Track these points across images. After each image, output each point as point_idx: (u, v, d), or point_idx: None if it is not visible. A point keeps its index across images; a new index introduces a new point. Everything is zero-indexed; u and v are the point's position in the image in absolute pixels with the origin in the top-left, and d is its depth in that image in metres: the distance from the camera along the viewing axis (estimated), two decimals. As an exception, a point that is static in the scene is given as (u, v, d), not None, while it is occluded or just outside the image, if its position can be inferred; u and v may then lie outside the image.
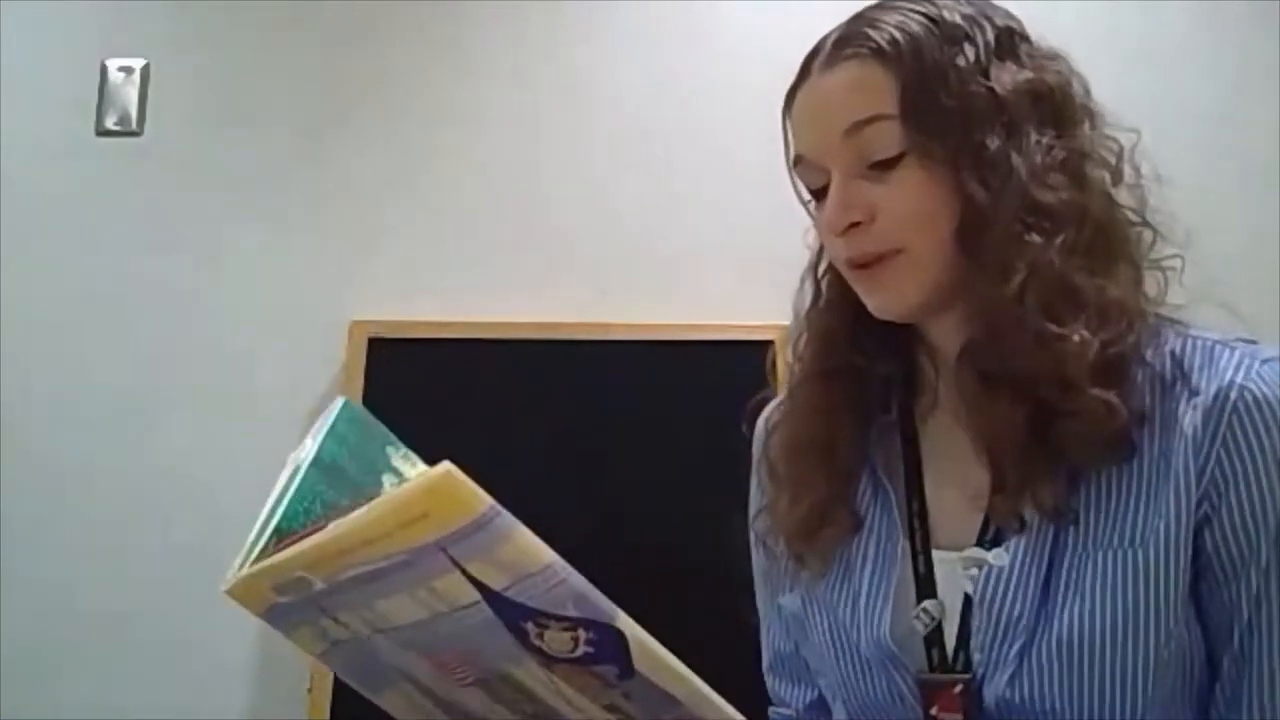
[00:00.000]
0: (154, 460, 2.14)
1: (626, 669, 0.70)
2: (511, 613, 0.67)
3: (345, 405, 0.77)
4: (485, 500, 0.62)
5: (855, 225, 0.83)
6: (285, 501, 0.70)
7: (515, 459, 2.03)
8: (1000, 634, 0.79)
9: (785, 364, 0.98)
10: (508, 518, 0.63)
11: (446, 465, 0.61)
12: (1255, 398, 0.76)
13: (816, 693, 0.98)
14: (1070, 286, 0.78)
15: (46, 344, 2.19)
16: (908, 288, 0.84)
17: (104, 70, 2.28)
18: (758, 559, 1.02)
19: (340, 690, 1.94)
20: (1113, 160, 0.84)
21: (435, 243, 2.23)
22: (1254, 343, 0.80)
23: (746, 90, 2.23)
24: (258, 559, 0.68)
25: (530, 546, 0.64)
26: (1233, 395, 0.77)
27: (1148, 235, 0.84)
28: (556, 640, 0.69)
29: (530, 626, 0.68)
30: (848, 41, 0.84)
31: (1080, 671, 0.76)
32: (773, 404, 1.01)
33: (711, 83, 2.26)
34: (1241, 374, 0.77)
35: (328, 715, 1.93)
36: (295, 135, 2.28)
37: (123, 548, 2.10)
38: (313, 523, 0.70)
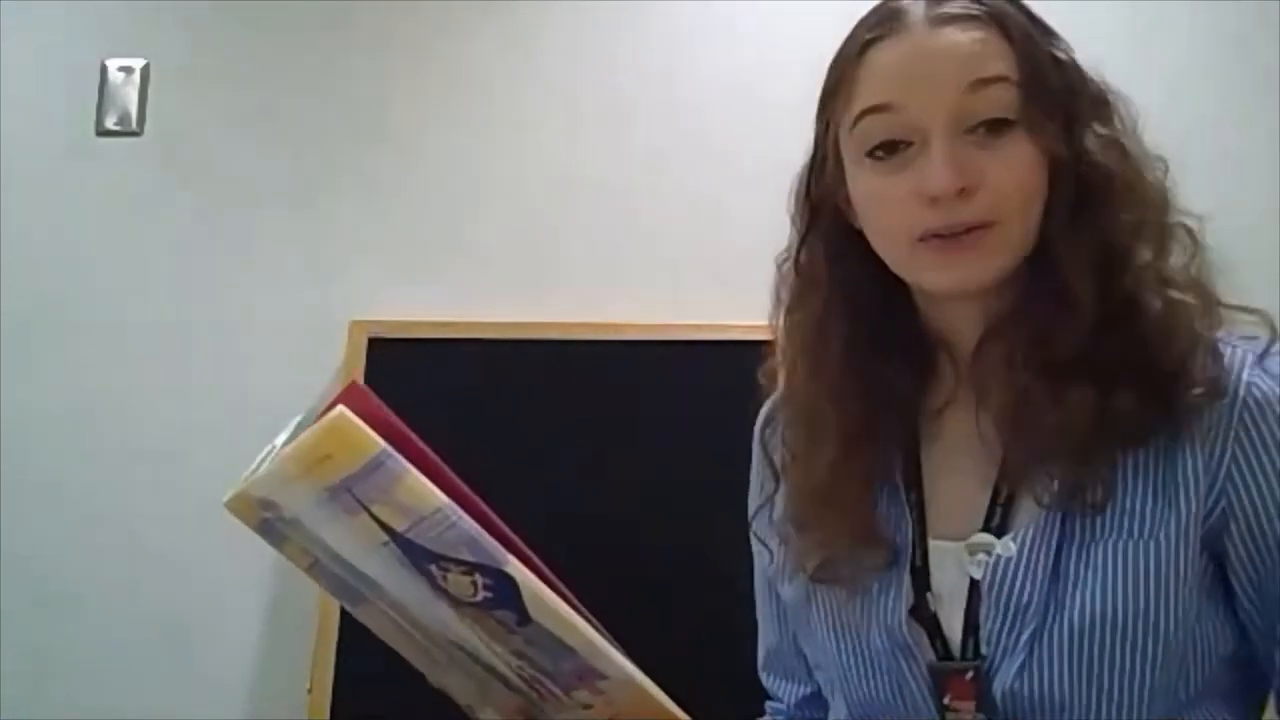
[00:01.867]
0: (153, 460, 2.14)
1: (524, 616, 0.74)
2: (415, 555, 0.72)
3: (307, 417, 0.82)
4: (377, 442, 0.68)
5: (960, 192, 0.78)
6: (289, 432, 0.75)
7: (515, 459, 2.03)
8: (1009, 621, 0.80)
9: (779, 356, 0.95)
10: (400, 460, 0.69)
11: (340, 408, 0.68)
12: (1264, 394, 0.77)
13: (810, 688, 0.99)
14: (1164, 276, 0.80)
15: (46, 344, 2.19)
16: (992, 263, 0.81)
17: (104, 70, 2.28)
18: (756, 555, 1.02)
19: (340, 690, 1.94)
20: (1162, 167, 0.85)
21: (435, 243, 2.23)
22: (1253, 338, 0.81)
23: (747, 90, 2.24)
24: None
25: (421, 488, 0.70)
26: (1241, 392, 0.78)
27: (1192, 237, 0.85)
28: (458, 584, 0.73)
29: (435, 570, 0.73)
30: (958, 2, 0.82)
31: (1090, 659, 0.77)
32: (769, 401, 1.00)
33: (712, 82, 2.26)
34: (1248, 371, 0.78)
35: (328, 715, 1.93)
36: (295, 135, 2.28)
37: (121, 548, 2.10)
38: None
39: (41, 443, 2.15)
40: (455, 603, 0.74)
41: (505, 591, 0.72)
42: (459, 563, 0.72)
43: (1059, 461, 0.79)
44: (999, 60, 0.80)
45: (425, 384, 2.09)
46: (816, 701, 0.98)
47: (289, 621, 2.04)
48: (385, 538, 0.71)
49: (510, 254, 2.22)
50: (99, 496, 2.12)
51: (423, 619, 0.77)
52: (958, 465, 0.87)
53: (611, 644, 0.77)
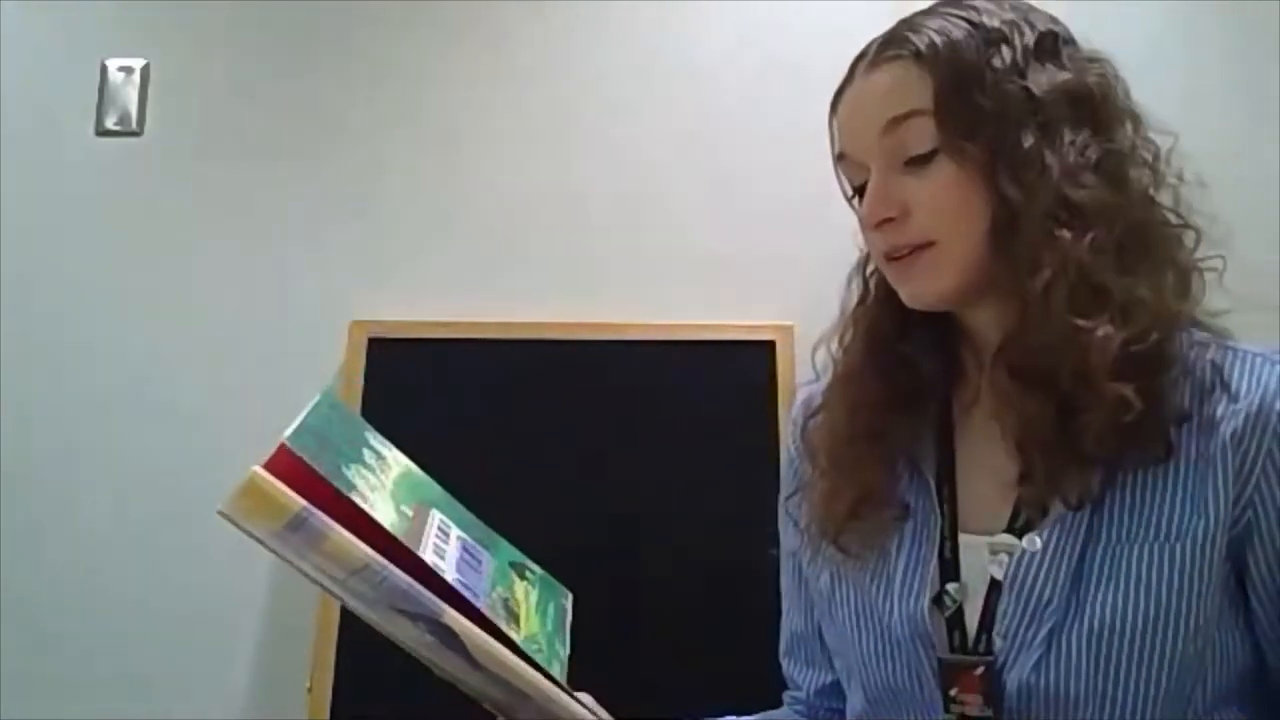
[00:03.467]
0: (153, 460, 2.14)
1: (473, 663, 0.75)
2: (362, 598, 0.74)
3: (326, 393, 0.84)
4: (297, 501, 0.70)
5: (890, 220, 0.86)
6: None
7: (515, 459, 2.04)
8: (1028, 617, 0.81)
9: (830, 356, 0.99)
10: (321, 518, 0.71)
11: (254, 470, 0.70)
12: None
13: (831, 677, 1.00)
14: (1096, 283, 0.80)
15: (46, 344, 2.19)
16: (935, 278, 0.86)
17: (104, 70, 2.28)
18: (785, 539, 1.03)
19: (340, 690, 1.94)
20: (1151, 161, 0.85)
21: (435, 243, 2.23)
22: None
23: (747, 93, 2.24)
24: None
25: (347, 545, 0.72)
26: (1277, 407, 0.79)
27: (1189, 237, 0.85)
28: (405, 629, 0.74)
29: (383, 613, 0.74)
30: (889, 44, 0.88)
31: (1108, 659, 0.78)
32: (813, 387, 1.02)
33: (712, 85, 2.26)
34: None
35: (328, 715, 1.93)
36: (296, 135, 2.28)
37: (121, 548, 2.10)
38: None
39: (41, 442, 2.15)
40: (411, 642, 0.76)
41: (450, 641, 0.74)
42: (400, 612, 0.73)
43: (1067, 474, 0.81)
44: (914, 94, 0.85)
45: (425, 384, 2.10)
46: (835, 691, 0.99)
47: (289, 621, 2.04)
48: (327, 583, 0.74)
49: (511, 255, 2.22)
50: (99, 496, 2.12)
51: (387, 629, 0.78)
52: (985, 461, 0.89)
53: (566, 690, 0.78)
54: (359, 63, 2.30)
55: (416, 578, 0.74)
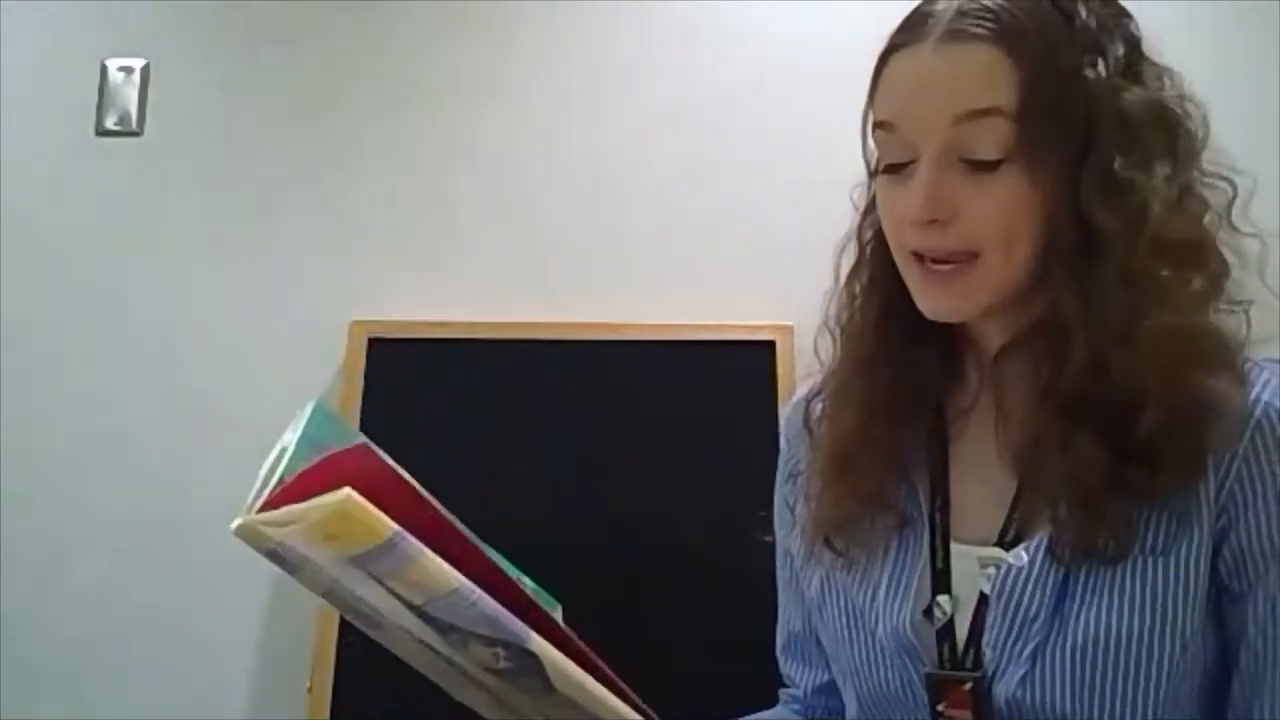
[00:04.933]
0: (153, 460, 2.14)
1: (548, 685, 0.71)
2: (435, 623, 0.69)
3: (319, 405, 0.80)
4: (389, 526, 0.64)
5: (934, 221, 0.79)
6: (285, 458, 0.71)
7: (514, 459, 2.04)
8: (1015, 632, 0.79)
9: (825, 337, 0.95)
10: (412, 543, 0.65)
11: (346, 492, 0.62)
12: (1277, 418, 0.76)
13: (828, 676, 0.99)
14: (1198, 331, 0.76)
15: (45, 344, 2.19)
16: (972, 297, 0.81)
17: (104, 70, 2.28)
18: (780, 532, 1.02)
19: (340, 690, 1.94)
20: (1222, 201, 0.80)
21: (435, 243, 2.23)
22: None
23: (747, 91, 2.24)
24: (256, 505, 0.69)
25: (436, 571, 0.66)
26: (1257, 412, 0.76)
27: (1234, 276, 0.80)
28: (478, 653, 0.70)
29: (454, 637, 0.70)
30: (975, 15, 0.78)
31: (1094, 676, 0.76)
32: (816, 380, 0.99)
33: (712, 83, 2.26)
34: (1269, 392, 0.77)
35: (328, 715, 1.93)
36: (295, 135, 2.28)
37: (122, 548, 2.10)
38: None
39: (41, 444, 2.15)
40: (479, 667, 0.73)
41: (528, 664, 0.70)
42: (479, 636, 0.69)
43: (1070, 507, 0.78)
44: (998, 89, 0.76)
45: (425, 384, 2.09)
46: (831, 690, 0.98)
47: (289, 621, 2.04)
48: (400, 605, 0.69)
49: (510, 254, 2.22)
50: (98, 496, 2.12)
51: (445, 652, 0.75)
52: (980, 470, 0.86)
53: (643, 713, 0.75)
54: (360, 64, 2.30)
55: (500, 600, 0.69)
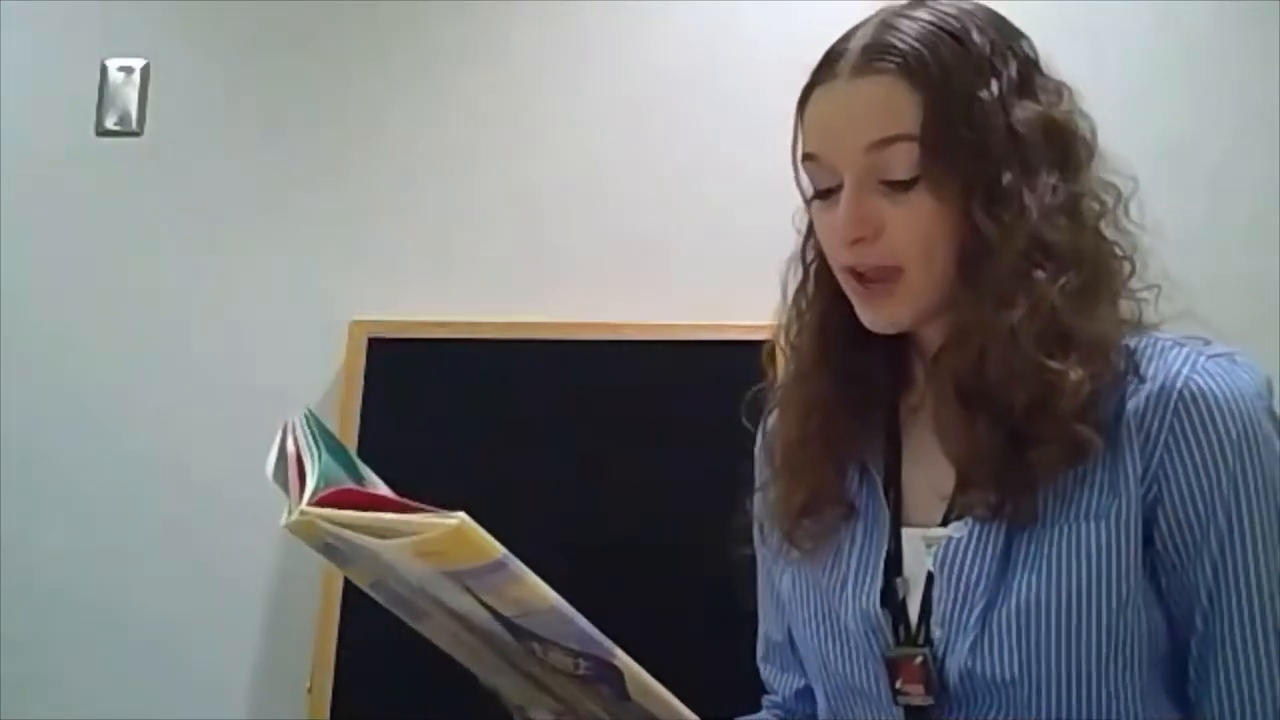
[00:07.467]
0: (154, 460, 2.14)
1: (622, 694, 0.76)
2: (519, 633, 0.74)
3: (310, 413, 0.81)
4: (498, 549, 0.68)
5: (861, 239, 0.85)
6: (321, 454, 0.74)
7: (514, 459, 2.04)
8: (959, 602, 0.83)
9: (780, 352, 1.00)
10: (517, 565, 0.69)
11: (461, 516, 0.66)
12: (1199, 390, 0.80)
13: (804, 681, 1.02)
14: (1065, 324, 0.82)
15: (46, 343, 2.19)
16: (901, 308, 0.87)
17: (104, 70, 2.28)
18: (758, 545, 1.04)
19: (340, 690, 1.94)
20: (1110, 203, 0.87)
21: (435, 243, 2.23)
22: (1208, 342, 0.85)
23: (747, 91, 2.24)
24: (311, 501, 0.71)
25: (538, 590, 0.71)
26: (1178, 386, 0.81)
27: (1127, 267, 0.88)
28: (558, 660, 0.75)
29: (535, 645, 0.75)
30: (877, 51, 0.85)
31: (1036, 639, 0.80)
32: (774, 395, 1.04)
33: (712, 83, 2.26)
34: (1188, 368, 0.82)
35: (328, 715, 1.93)
36: (295, 135, 2.28)
37: (122, 548, 2.10)
38: (355, 482, 0.75)
39: (41, 442, 2.15)
40: (552, 670, 0.77)
41: (607, 674, 0.75)
42: (564, 648, 0.74)
43: (1008, 493, 0.83)
44: (903, 116, 0.83)
45: (425, 384, 2.10)
46: (811, 695, 1.00)
47: (289, 621, 2.04)
48: (489, 615, 0.73)
49: (510, 254, 2.22)
50: (98, 496, 2.13)
51: (491, 633, 0.78)
52: (927, 460, 0.91)
53: None
54: (360, 64, 2.30)
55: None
